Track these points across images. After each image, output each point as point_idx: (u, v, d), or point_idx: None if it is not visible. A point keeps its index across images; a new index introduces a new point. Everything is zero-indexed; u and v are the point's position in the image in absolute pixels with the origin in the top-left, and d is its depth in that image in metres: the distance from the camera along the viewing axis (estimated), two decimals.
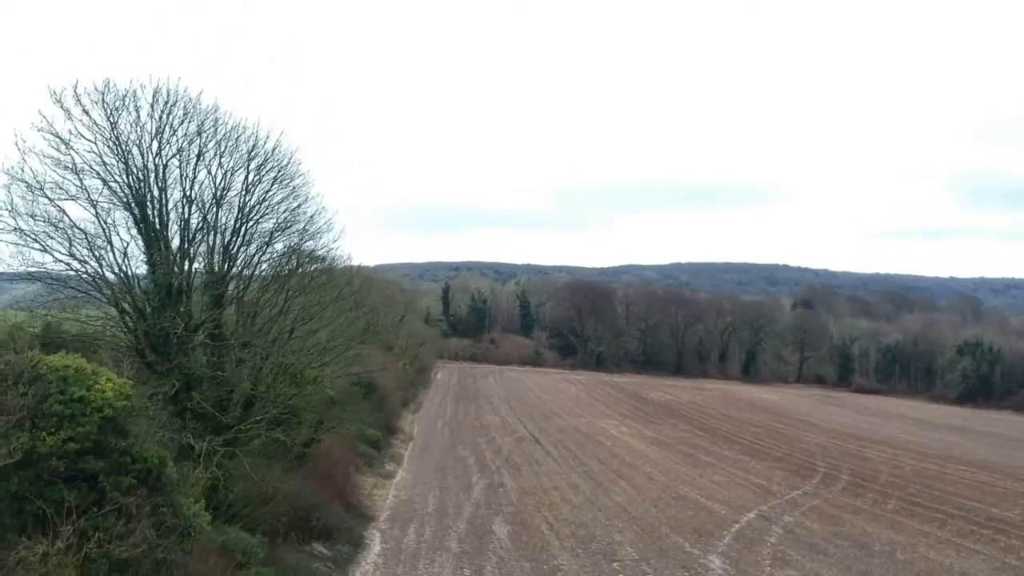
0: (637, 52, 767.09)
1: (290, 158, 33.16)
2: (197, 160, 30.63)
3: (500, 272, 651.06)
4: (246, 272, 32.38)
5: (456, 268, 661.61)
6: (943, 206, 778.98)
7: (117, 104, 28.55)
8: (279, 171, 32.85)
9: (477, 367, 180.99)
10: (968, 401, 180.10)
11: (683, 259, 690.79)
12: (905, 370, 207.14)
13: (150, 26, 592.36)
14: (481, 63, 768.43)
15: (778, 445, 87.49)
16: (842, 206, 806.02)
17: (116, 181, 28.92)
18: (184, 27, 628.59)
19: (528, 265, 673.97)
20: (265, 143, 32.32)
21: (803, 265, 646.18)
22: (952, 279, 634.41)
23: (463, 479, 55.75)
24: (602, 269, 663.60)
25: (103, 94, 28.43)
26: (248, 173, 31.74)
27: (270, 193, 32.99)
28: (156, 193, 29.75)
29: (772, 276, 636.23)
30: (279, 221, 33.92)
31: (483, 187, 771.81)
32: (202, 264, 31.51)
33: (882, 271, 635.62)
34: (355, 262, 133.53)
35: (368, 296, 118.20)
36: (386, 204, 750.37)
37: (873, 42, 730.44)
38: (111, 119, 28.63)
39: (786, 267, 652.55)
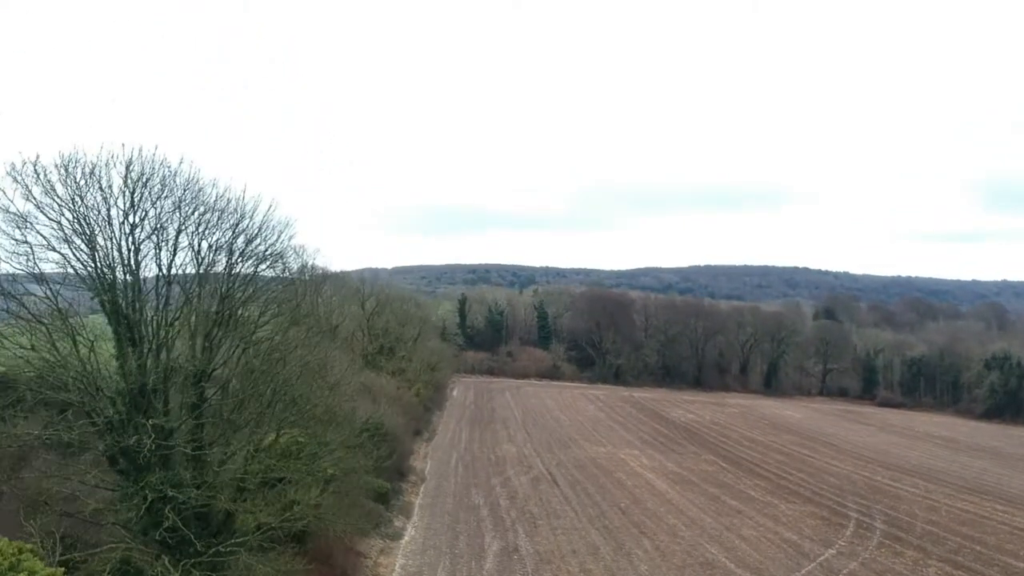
0: (658, 54, 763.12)
1: (280, 234, 29.94)
2: (176, 237, 27.46)
3: (518, 275, 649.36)
4: (229, 364, 28.95)
5: (474, 271, 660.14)
6: (965, 209, 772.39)
7: (83, 181, 25.39)
8: (267, 248, 29.59)
9: (494, 381, 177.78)
10: (996, 416, 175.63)
11: (702, 262, 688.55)
12: (931, 383, 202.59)
13: (150, 26, 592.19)
14: (502, 65, 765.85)
15: (805, 479, 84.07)
16: (862, 209, 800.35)
17: (82, 264, 25.79)
18: (184, 27, 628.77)
19: (546, 268, 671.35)
20: (252, 217, 29.07)
21: (823, 268, 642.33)
22: (975, 282, 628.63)
23: (476, 539, 52.50)
24: (620, 272, 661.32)
25: (67, 166, 25.28)
26: (232, 254, 28.54)
27: (257, 274, 29.73)
28: (128, 278, 26.58)
29: (792, 279, 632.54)
30: (268, 300, 30.61)
31: (501, 189, 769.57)
32: (180, 355, 28.22)
33: (903, 274, 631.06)
34: (369, 286, 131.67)
35: (382, 316, 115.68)
36: (404, 206, 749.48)
37: (890, 45, 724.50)
38: (79, 195, 25.48)
39: (806, 270, 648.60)
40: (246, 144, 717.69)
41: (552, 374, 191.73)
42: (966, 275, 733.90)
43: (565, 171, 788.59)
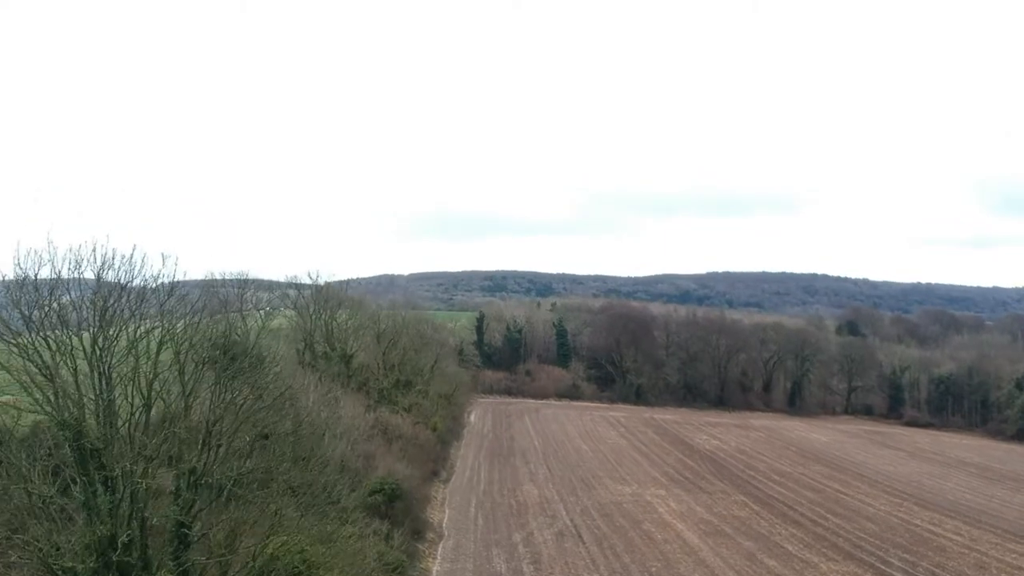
0: (673, 60, 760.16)
1: (272, 354, 26.03)
2: (157, 354, 23.56)
3: (534, 282, 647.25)
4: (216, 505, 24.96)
5: (491, 277, 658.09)
6: (982, 213, 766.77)
7: (43, 295, 21.47)
8: (258, 362, 25.60)
9: (512, 403, 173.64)
10: None
11: (720, 268, 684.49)
12: (959, 402, 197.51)
13: (150, 26, 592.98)
14: (515, 73, 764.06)
15: (842, 525, 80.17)
16: (879, 214, 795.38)
17: (41, 392, 21.89)
18: (184, 27, 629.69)
19: (563, 275, 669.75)
20: (244, 328, 25.15)
21: (842, 275, 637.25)
22: (995, 289, 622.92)
23: None
24: (637, 278, 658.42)
25: (22, 282, 21.38)
26: (221, 375, 24.58)
27: (246, 404, 25.72)
28: (100, 413, 22.64)
29: (810, 286, 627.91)
30: (259, 429, 26.59)
31: (517, 195, 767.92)
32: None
33: (923, 280, 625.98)
34: (386, 312, 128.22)
35: (398, 347, 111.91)
36: (421, 212, 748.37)
37: (903, 48, 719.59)
38: (39, 312, 21.57)
39: (824, 276, 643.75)
40: (253, 150, 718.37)
41: (571, 394, 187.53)
42: (986, 281, 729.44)
43: (581, 177, 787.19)
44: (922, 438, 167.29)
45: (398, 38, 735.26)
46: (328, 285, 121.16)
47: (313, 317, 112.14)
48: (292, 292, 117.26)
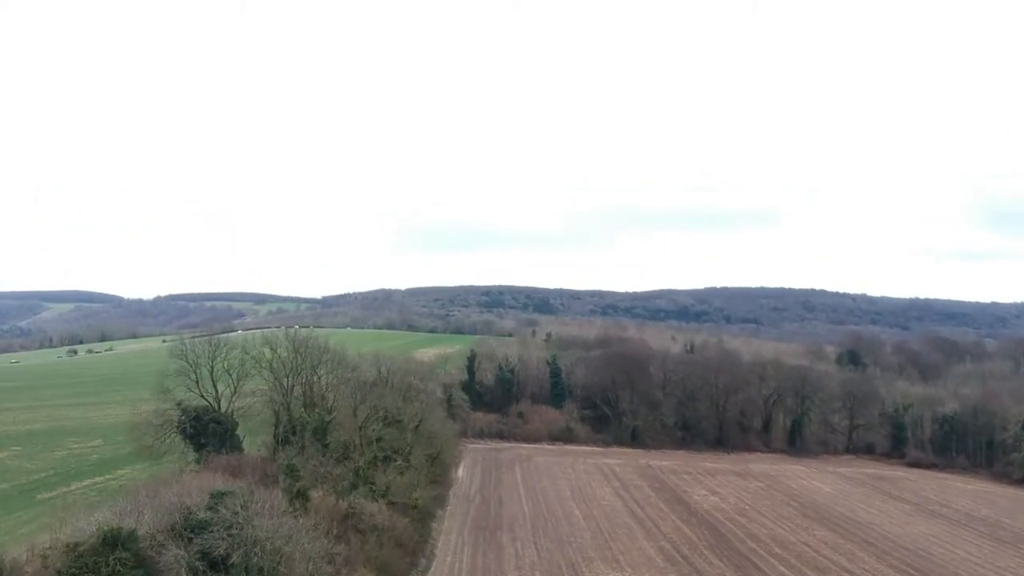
0: (673, 76, 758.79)
1: None
2: None
3: (532, 297, 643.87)
4: None
5: (488, 292, 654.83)
6: (982, 229, 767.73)
7: None
8: None
9: (503, 449, 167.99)
10: None
11: (717, 284, 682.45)
12: (963, 441, 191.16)
13: (149, 29, 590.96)
14: (521, 88, 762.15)
15: None
16: (879, 228, 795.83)
17: None
18: (184, 28, 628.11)
19: (560, 290, 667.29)
20: None
21: (840, 290, 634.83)
22: (994, 304, 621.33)
23: None
24: (635, 294, 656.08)
25: None
26: None
27: None
28: None
29: (808, 301, 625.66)
30: None
31: (517, 209, 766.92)
32: None
33: (921, 296, 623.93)
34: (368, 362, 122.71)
35: (381, 407, 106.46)
36: (420, 224, 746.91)
37: (903, 64, 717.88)
38: None
39: (823, 292, 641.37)
40: (255, 160, 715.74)
41: (565, 437, 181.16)
42: (984, 296, 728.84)
43: (579, 190, 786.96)
44: (927, 483, 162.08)
45: (403, 51, 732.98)
46: (306, 341, 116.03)
47: (291, 376, 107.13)
48: (268, 351, 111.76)
